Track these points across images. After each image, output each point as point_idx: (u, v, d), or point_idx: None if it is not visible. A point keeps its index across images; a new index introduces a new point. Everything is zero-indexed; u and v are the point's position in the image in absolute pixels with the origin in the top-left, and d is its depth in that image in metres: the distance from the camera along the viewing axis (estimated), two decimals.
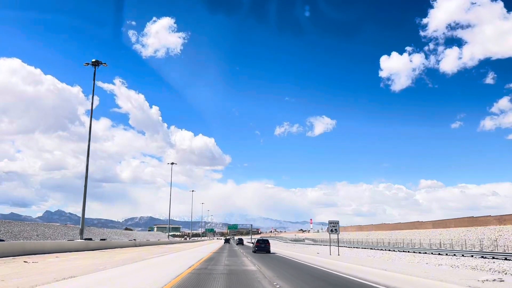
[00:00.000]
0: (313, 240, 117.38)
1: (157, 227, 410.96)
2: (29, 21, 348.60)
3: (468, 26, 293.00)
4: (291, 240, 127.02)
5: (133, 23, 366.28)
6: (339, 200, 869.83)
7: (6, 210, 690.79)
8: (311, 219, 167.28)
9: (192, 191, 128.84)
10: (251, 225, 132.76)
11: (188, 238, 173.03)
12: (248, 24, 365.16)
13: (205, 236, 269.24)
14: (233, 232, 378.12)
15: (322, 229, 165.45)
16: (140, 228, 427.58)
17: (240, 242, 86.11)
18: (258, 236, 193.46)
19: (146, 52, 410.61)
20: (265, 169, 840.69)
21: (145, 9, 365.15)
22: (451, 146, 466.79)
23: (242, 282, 14.37)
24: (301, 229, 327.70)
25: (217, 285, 13.13)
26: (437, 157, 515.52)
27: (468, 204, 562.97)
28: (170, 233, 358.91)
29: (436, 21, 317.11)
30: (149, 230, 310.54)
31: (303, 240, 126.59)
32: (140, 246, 58.51)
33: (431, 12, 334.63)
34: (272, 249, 46.75)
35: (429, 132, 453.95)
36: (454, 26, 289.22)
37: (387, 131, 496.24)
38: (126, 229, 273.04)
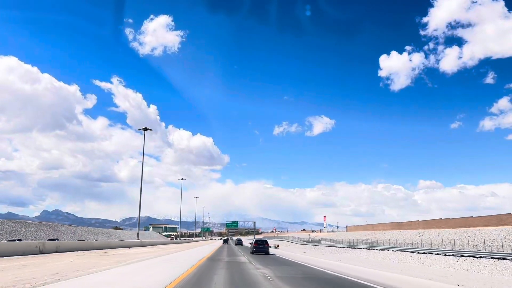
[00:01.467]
0: (333, 241, 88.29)
1: (153, 227, 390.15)
2: (25, 20, 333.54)
3: (469, 25, 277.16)
4: (306, 242, 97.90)
5: (130, 20, 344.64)
6: (338, 201, 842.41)
7: (3, 209, 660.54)
8: (324, 216, 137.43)
9: (181, 179, 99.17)
10: (254, 222, 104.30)
11: (175, 239, 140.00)
12: (247, 24, 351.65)
13: (201, 236, 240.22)
14: (231, 232, 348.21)
15: (337, 227, 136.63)
16: (135, 229, 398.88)
17: (239, 242, 79.77)
18: (260, 236, 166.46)
19: (144, 50, 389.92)
20: (263, 169, 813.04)
21: (142, 7, 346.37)
22: (450, 146, 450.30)
23: None
24: (303, 229, 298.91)
25: None
26: (436, 158, 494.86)
27: (466, 204, 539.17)
28: (165, 233, 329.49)
29: (436, 20, 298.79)
30: (144, 230, 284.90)
31: (318, 241, 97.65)
32: (56, 252, 29.23)
33: (431, 11, 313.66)
34: (302, 257, 37.05)
35: (428, 132, 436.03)
36: (454, 25, 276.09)
37: (386, 131, 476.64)
38: (116, 228, 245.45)
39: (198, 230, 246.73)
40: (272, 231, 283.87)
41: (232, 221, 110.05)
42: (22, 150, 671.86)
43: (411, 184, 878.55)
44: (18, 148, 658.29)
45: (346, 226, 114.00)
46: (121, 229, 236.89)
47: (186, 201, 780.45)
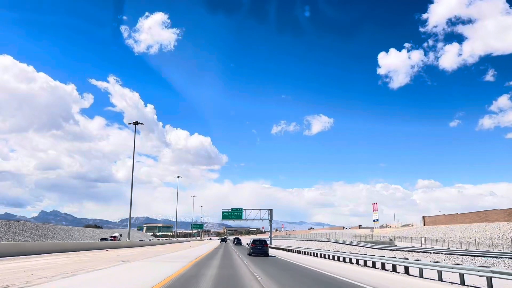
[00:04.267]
0: (428, 240, 41.65)
1: (147, 227, 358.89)
2: (19, 19, 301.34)
3: (469, 21, 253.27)
4: (377, 243, 50.36)
5: (125, 17, 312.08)
6: (336, 200, 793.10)
7: (1, 210, 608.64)
8: (374, 203, 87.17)
9: (136, 130, 51.10)
10: (270, 210, 58.72)
11: (118, 239, 74.03)
12: (246, 22, 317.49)
13: (196, 236, 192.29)
14: (230, 232, 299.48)
15: (395, 221, 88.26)
16: (134, 229, 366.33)
17: (238, 242, 66.69)
18: (265, 236, 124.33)
19: (139, 48, 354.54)
20: (262, 169, 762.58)
21: (137, 5, 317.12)
22: (449, 145, 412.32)
23: None
24: (311, 227, 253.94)
25: None
26: (435, 157, 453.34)
27: (465, 204, 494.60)
28: (160, 233, 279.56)
29: (436, 16, 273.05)
30: (138, 230, 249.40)
31: (390, 241, 51.30)
32: None
33: (431, 7, 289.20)
34: None
35: (427, 131, 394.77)
36: (454, 21, 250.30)
37: (385, 129, 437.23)
38: (95, 226, 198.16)
39: (197, 230, 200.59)
40: (276, 230, 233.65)
41: (232, 209, 63.63)
42: (18, 150, 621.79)
43: (409, 183, 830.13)
44: (14, 148, 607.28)
45: (423, 216, 67.88)
46: (100, 227, 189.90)
47: (183, 201, 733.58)
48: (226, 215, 65.39)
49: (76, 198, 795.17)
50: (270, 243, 62.83)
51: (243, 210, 61.89)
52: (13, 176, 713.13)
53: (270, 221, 65.02)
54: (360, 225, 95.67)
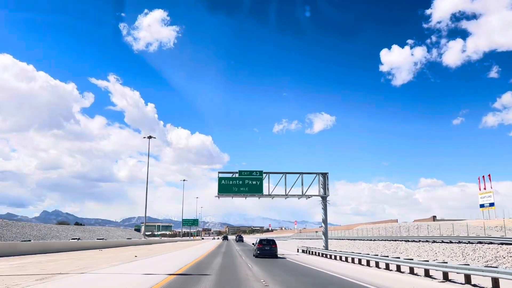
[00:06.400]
0: None
1: (145, 225, 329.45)
2: (19, 18, 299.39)
3: (474, 16, 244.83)
4: None
5: (123, 14, 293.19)
6: (338, 200, 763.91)
7: (3, 210, 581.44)
8: (484, 176, 54.65)
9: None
10: (324, 175, 26.72)
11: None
12: (246, 21, 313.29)
13: (196, 235, 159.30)
14: (232, 230, 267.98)
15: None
16: (132, 228, 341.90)
17: (240, 239, 69.65)
18: (273, 236, 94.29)
19: (138, 46, 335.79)
20: (263, 167, 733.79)
21: (137, 2, 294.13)
22: (452, 143, 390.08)
23: None
24: (321, 226, 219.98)
25: None
26: (437, 155, 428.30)
27: (467, 203, 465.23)
28: (158, 232, 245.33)
29: (440, 12, 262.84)
30: (135, 229, 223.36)
31: None
32: None
33: (435, 3, 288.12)
34: None
35: (430, 129, 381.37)
36: (459, 17, 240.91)
37: (387, 128, 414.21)
38: (78, 224, 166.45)
39: (200, 229, 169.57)
40: (282, 228, 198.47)
41: (240, 171, 29.91)
42: (19, 150, 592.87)
43: (411, 182, 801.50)
44: (15, 148, 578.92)
45: None
46: (82, 225, 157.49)
47: (185, 201, 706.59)
48: (225, 186, 29.11)
49: (78, 198, 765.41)
50: (326, 247, 30.27)
51: (263, 174, 27.82)
52: (15, 176, 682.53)
53: (324, 198, 30.56)
54: (434, 216, 62.78)
